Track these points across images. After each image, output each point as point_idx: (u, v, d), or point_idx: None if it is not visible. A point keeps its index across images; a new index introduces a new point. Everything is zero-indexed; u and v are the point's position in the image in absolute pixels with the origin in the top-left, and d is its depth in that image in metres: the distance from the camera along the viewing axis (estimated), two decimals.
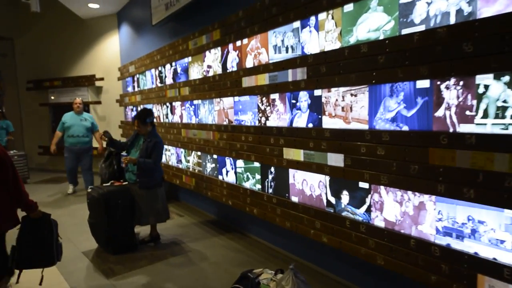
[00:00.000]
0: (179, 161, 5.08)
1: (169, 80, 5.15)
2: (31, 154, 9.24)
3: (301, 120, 2.88)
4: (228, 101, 3.81)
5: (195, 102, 4.49)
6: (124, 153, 4.16)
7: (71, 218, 4.98)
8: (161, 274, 3.32)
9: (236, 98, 3.67)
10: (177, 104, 4.97)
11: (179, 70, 4.83)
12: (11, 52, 9.78)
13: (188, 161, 4.84)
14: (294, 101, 2.94)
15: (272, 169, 3.26)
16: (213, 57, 4.02)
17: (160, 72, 5.39)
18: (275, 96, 3.14)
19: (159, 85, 5.46)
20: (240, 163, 3.73)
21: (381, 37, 2.22)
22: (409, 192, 2.14)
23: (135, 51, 6.83)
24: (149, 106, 5.93)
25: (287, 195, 3.12)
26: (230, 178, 3.92)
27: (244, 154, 3.53)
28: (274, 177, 3.25)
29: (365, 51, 2.27)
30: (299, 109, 2.89)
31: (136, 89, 6.49)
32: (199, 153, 4.54)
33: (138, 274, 3.34)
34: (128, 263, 3.60)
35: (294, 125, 2.96)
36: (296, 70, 2.83)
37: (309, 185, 2.88)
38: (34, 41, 9.41)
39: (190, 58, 4.50)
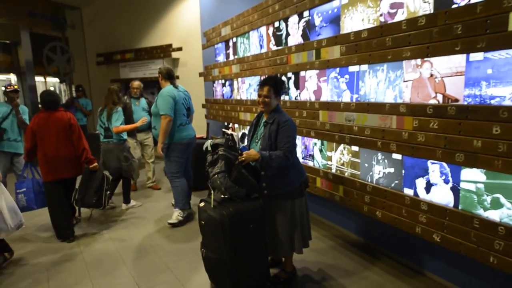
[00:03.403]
0: (309, 156, 3.55)
1: (295, 40, 3.57)
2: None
3: None
4: (449, 63, 2.13)
5: (352, 69, 2.87)
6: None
7: (169, 242, 3.65)
8: None
9: (475, 56, 1.98)
10: (310, 74, 3.39)
11: (317, 21, 3.22)
12: (79, 23, 8.85)
13: (328, 159, 3.29)
14: None
15: None
16: None
17: (278, 29, 3.82)
18: None
19: (274, 48, 3.91)
20: (471, 174, 2.08)
21: None
22: None
23: (224, 10, 5.33)
24: (255, 79, 4.44)
25: None
26: (438, 196, 2.30)
27: (497, 161, 1.88)
28: None
29: None
30: None
31: (232, 57, 5.02)
32: (355, 148, 2.96)
33: None
34: None
35: None
36: None
37: None
38: (103, 9, 8.32)
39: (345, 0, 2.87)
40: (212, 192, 2.56)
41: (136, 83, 4.94)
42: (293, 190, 2.56)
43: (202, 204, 2.62)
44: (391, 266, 2.87)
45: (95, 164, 3.62)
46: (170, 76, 3.87)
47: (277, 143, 2.47)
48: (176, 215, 3.86)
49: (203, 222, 2.53)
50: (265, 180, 2.52)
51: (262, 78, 4.15)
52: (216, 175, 2.47)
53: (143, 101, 5.00)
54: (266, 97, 2.49)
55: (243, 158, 2.43)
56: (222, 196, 2.55)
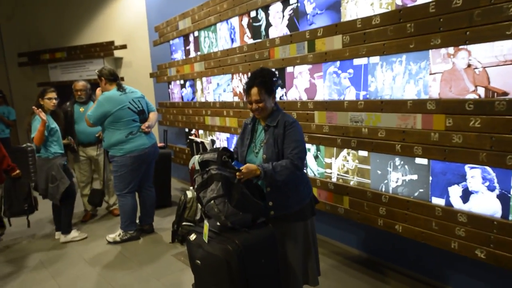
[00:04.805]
0: None
1: (278, 31, 3.10)
2: None
3: None
4: (493, 51, 1.81)
5: (357, 62, 2.48)
6: None
7: (137, 279, 2.97)
8: None
9: None
10: (299, 69, 2.95)
11: (309, 9, 2.78)
12: None
13: (327, 166, 2.87)
14: None
15: None
16: None
17: (255, 19, 3.32)
18: None
19: (251, 41, 3.41)
20: None
21: None
22: None
23: (175, 2, 4.72)
24: (225, 78, 3.88)
25: None
26: (480, 206, 1.98)
27: None
28: None
29: None
30: None
31: (194, 53, 4.39)
32: (363, 153, 2.57)
33: None
34: None
35: None
36: None
37: None
38: (26, 1, 7.09)
39: None
40: (205, 222, 1.98)
41: (80, 84, 3.94)
42: (304, 208, 2.10)
43: (193, 236, 2.01)
44: (404, 283, 2.55)
45: (17, 171, 3.36)
46: (115, 77, 3.35)
47: (281, 150, 1.99)
48: (116, 235, 3.51)
49: (198, 262, 1.93)
50: (271, 198, 2.02)
51: (234, 76, 3.62)
52: (212, 201, 1.89)
53: (91, 105, 3.82)
54: (258, 102, 1.97)
55: (242, 176, 1.90)
56: (218, 224, 1.99)
